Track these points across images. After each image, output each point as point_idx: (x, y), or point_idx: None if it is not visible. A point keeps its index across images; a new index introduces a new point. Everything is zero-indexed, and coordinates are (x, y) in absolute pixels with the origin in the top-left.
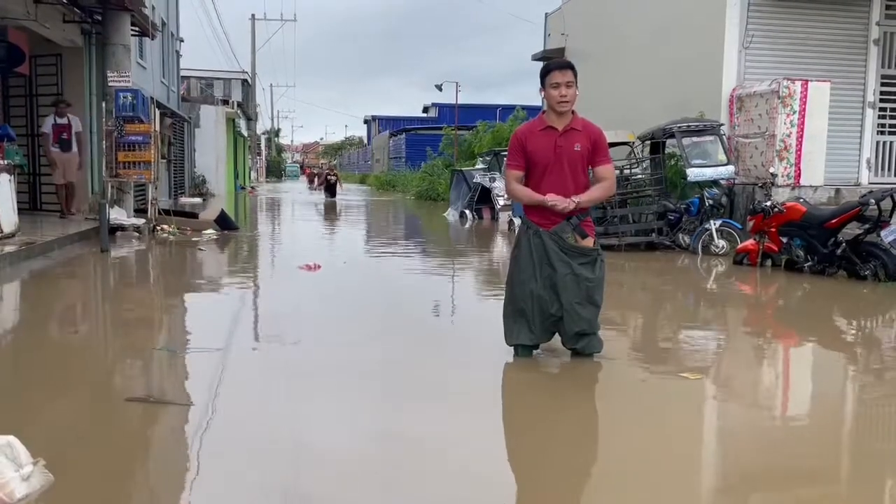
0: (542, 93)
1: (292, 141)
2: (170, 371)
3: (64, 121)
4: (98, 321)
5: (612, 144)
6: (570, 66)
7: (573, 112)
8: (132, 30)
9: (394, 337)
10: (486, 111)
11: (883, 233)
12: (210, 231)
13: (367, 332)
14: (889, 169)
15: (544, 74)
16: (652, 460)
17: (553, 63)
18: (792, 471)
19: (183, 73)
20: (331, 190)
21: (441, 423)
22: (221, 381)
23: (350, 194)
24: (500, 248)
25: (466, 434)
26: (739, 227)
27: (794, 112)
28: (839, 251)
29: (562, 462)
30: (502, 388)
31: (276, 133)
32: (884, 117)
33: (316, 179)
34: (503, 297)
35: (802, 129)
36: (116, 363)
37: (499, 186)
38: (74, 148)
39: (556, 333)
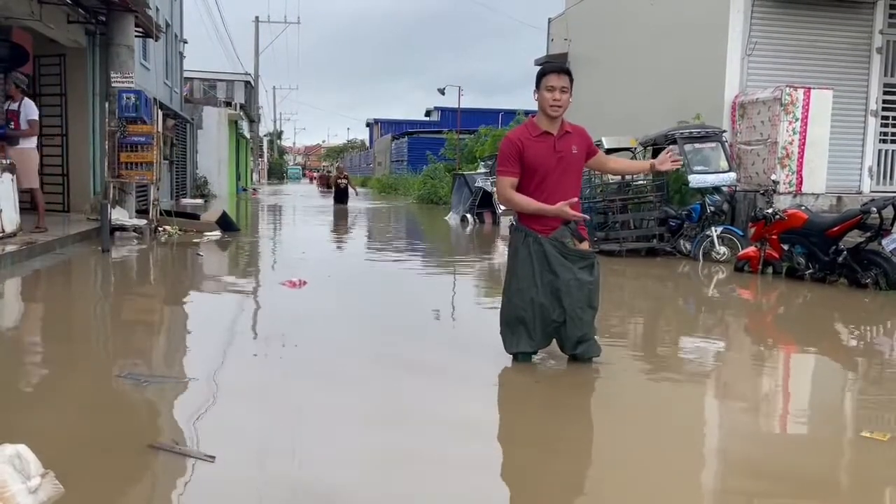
0: (536, 94)
1: (294, 143)
2: (138, 399)
3: (14, 106)
4: (82, 330)
5: (614, 150)
6: (567, 72)
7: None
8: (136, 31)
9: (390, 341)
10: (488, 115)
11: (884, 241)
12: (212, 233)
13: (363, 339)
14: (891, 177)
15: (540, 76)
16: (653, 467)
17: (550, 66)
18: (794, 478)
19: (186, 74)
20: (340, 196)
21: (441, 427)
22: (199, 417)
23: (351, 199)
24: (502, 253)
25: (467, 439)
26: (741, 233)
27: (797, 119)
28: (840, 259)
29: (563, 468)
30: (501, 393)
31: (279, 135)
32: (886, 125)
33: (330, 182)
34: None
35: (804, 137)
36: (82, 384)
37: None
38: (28, 142)
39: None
